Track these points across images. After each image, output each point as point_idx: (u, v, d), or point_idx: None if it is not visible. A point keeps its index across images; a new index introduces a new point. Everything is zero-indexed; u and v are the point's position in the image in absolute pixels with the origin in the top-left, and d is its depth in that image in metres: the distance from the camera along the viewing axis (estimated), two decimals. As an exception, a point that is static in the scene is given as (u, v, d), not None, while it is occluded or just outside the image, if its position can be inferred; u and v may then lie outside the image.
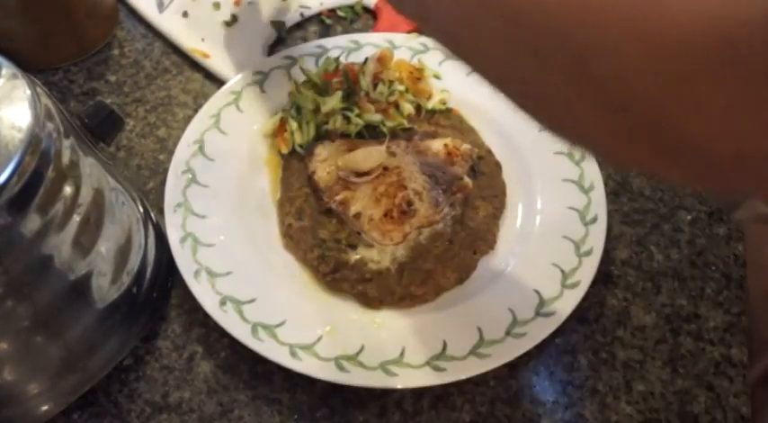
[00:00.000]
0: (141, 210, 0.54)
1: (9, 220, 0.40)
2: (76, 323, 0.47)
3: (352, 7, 0.75)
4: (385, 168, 0.56)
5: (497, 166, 0.61)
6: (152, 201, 0.60)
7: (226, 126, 0.62)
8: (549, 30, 0.26)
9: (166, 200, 0.57)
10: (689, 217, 0.60)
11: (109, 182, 0.49)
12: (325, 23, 0.74)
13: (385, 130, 0.61)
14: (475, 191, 0.58)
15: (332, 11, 0.75)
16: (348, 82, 0.62)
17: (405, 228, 0.54)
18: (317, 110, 0.61)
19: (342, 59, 0.66)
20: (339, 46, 0.68)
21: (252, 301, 0.53)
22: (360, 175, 0.56)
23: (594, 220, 0.57)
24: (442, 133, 0.62)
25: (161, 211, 0.57)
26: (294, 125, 0.61)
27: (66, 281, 0.45)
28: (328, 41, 0.68)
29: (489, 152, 0.62)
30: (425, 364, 0.50)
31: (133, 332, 0.51)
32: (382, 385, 0.49)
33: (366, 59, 0.63)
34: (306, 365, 0.50)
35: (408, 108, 0.63)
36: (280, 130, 0.62)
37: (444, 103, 0.64)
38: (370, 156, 0.57)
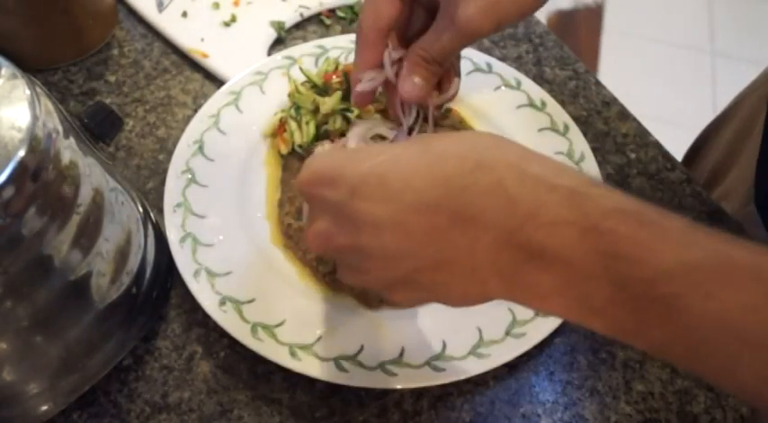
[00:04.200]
0: (141, 210, 0.54)
1: (9, 220, 0.39)
2: (76, 323, 0.47)
3: (351, 7, 0.75)
4: (384, 168, 0.56)
5: (497, 166, 0.61)
6: (152, 201, 0.60)
7: (225, 126, 0.62)
8: None
9: (166, 200, 0.57)
10: (689, 217, 0.60)
11: (108, 182, 0.49)
12: (325, 23, 0.74)
13: (384, 130, 0.61)
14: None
15: (331, 11, 0.75)
16: (348, 82, 0.62)
17: (404, 228, 0.54)
18: (316, 110, 0.61)
19: (341, 60, 0.66)
20: (339, 46, 0.68)
21: (251, 301, 0.53)
22: (359, 175, 0.56)
23: (594, 220, 0.57)
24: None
25: (161, 211, 0.57)
26: (293, 125, 0.61)
27: (66, 281, 0.45)
28: (328, 41, 0.68)
29: (489, 152, 0.62)
30: (425, 364, 0.50)
31: (133, 332, 0.51)
32: (382, 385, 0.49)
33: (366, 59, 0.63)
34: (305, 365, 0.50)
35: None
36: (279, 130, 0.62)
37: (444, 103, 0.64)
38: (369, 156, 0.56)
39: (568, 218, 0.32)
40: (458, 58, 0.50)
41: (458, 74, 0.50)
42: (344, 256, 0.38)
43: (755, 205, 0.61)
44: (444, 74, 0.48)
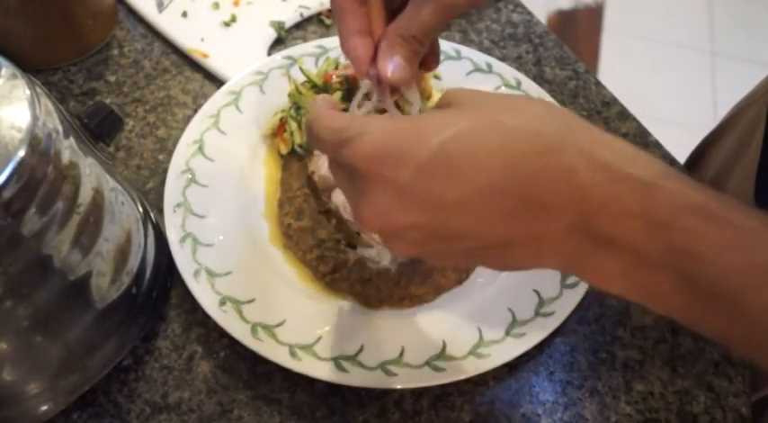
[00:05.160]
0: (141, 210, 0.54)
1: (9, 220, 0.39)
2: (76, 323, 0.47)
3: (351, 7, 0.75)
4: (384, 168, 0.56)
5: (497, 166, 0.61)
6: (152, 201, 0.60)
7: (225, 126, 0.62)
8: None
9: (166, 200, 0.57)
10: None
11: (108, 182, 0.49)
12: (325, 23, 0.74)
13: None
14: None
15: (331, 11, 0.75)
16: (348, 82, 0.62)
17: (404, 228, 0.54)
18: (316, 110, 0.61)
19: (341, 60, 0.66)
20: (339, 46, 0.68)
21: (251, 301, 0.53)
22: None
23: (594, 220, 0.57)
24: (442, 133, 0.62)
25: (161, 211, 0.57)
26: (294, 125, 0.61)
27: (66, 281, 0.45)
28: (328, 41, 0.68)
29: (489, 152, 0.62)
30: (425, 364, 0.50)
31: (133, 332, 0.51)
32: (382, 385, 0.49)
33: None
34: (305, 365, 0.50)
35: (408, 108, 0.63)
36: (279, 130, 0.62)
37: (444, 103, 0.64)
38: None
39: (639, 211, 0.32)
40: (437, 39, 0.48)
41: (438, 56, 0.49)
42: (402, 233, 0.36)
43: None
44: (426, 55, 0.46)
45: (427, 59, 0.47)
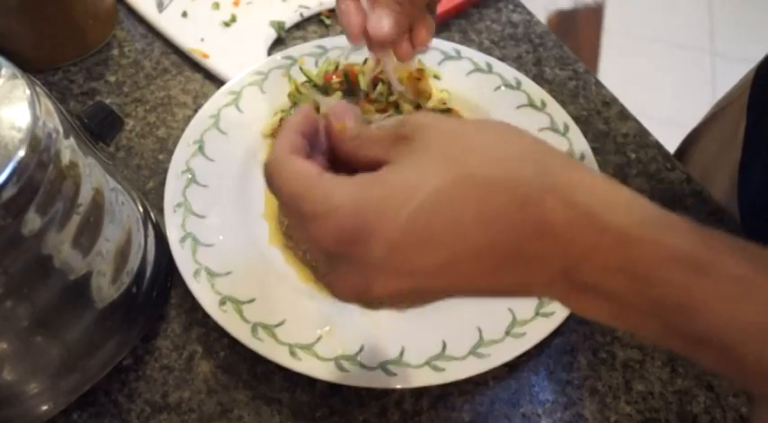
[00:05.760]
0: (141, 210, 0.54)
1: (9, 220, 0.39)
2: (76, 323, 0.47)
3: (351, 7, 0.75)
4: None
5: (497, 166, 0.61)
6: (152, 201, 0.60)
7: (225, 126, 0.62)
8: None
9: (166, 200, 0.57)
10: (689, 217, 0.60)
11: (109, 182, 0.49)
12: (325, 23, 0.74)
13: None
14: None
15: (332, 11, 0.75)
16: (348, 82, 0.62)
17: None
18: (316, 110, 0.61)
19: (341, 60, 0.66)
20: (339, 46, 0.68)
21: (251, 300, 0.53)
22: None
23: (594, 220, 0.57)
24: (442, 133, 0.62)
25: (161, 211, 0.57)
26: (294, 125, 0.61)
27: (66, 281, 0.45)
28: (328, 41, 0.68)
29: (489, 152, 0.62)
30: (425, 363, 0.50)
31: (133, 332, 0.51)
32: (382, 385, 0.49)
33: (366, 59, 0.63)
34: (305, 365, 0.50)
35: (408, 108, 0.63)
36: (279, 130, 0.62)
37: (444, 103, 0.64)
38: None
39: (619, 265, 0.31)
40: (427, 16, 0.50)
41: (429, 33, 0.50)
42: (382, 300, 0.35)
43: (741, 218, 0.62)
44: (417, 22, 0.49)
45: (417, 33, 0.50)
